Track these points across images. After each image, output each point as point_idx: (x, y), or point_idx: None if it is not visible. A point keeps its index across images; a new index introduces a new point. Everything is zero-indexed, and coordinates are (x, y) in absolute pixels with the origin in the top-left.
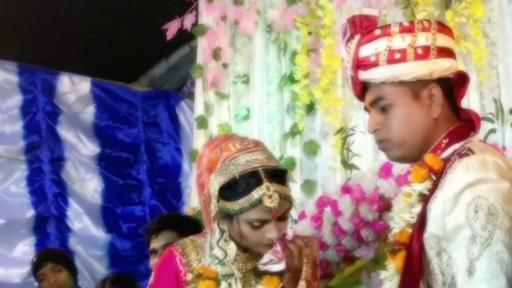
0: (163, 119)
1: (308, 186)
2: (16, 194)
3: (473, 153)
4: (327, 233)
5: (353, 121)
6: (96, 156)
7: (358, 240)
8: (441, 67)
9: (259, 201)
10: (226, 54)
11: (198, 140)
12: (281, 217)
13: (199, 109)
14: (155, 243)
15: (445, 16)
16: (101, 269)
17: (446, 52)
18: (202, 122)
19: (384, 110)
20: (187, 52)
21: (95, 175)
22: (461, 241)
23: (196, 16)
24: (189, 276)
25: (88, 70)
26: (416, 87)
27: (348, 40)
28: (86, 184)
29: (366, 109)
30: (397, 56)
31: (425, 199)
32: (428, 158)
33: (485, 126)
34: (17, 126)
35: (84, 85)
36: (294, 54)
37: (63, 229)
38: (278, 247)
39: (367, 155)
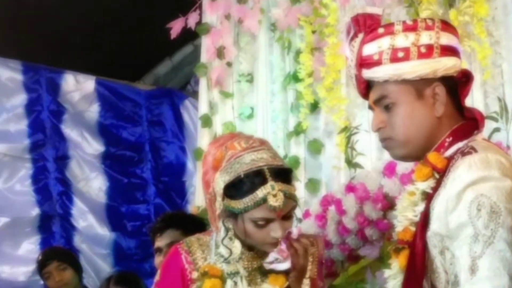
0: (167, 117)
1: (312, 185)
2: (21, 192)
3: (475, 151)
4: (331, 232)
5: (357, 120)
6: (100, 155)
7: (363, 239)
8: (444, 65)
9: (264, 200)
10: (230, 52)
11: (202, 139)
12: (286, 216)
13: (203, 108)
14: (160, 242)
15: (449, 15)
16: (106, 268)
17: (449, 51)
18: (206, 121)
19: (387, 108)
20: (191, 51)
21: (100, 174)
22: (464, 239)
23: (200, 14)
24: (195, 274)
25: (92, 68)
26: (419, 85)
27: (351, 39)
28: (91, 182)
29: (370, 107)
30: (400, 54)
31: (428, 197)
32: (432, 156)
33: (489, 125)
34: (22, 125)
35: (88, 83)
36: (298, 52)
37: (68, 228)
38: (283, 246)
39: (371, 154)
